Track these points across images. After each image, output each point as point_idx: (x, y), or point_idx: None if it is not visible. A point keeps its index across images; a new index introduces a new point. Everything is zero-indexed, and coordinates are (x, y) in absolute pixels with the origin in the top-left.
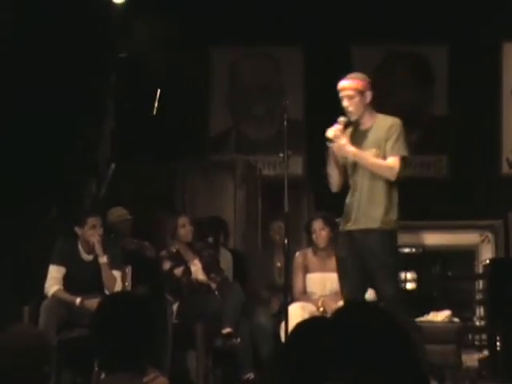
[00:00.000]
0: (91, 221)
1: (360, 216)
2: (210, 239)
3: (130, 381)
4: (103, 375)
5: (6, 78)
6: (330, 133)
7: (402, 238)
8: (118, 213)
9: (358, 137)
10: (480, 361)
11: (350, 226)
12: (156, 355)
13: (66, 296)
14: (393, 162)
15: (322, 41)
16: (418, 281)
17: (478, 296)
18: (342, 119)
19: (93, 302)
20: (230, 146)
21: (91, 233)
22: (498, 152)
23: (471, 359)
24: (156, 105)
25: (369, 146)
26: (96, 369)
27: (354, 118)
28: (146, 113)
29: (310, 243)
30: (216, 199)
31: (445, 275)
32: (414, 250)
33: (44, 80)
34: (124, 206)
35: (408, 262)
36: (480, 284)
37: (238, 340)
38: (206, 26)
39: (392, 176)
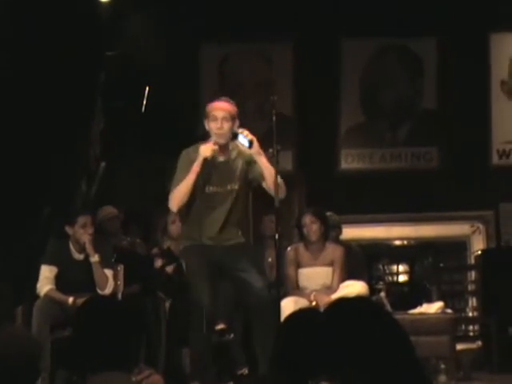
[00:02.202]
0: (82, 220)
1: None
2: None
3: (115, 380)
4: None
5: None
6: (207, 151)
7: (393, 230)
8: (107, 211)
9: (221, 169)
10: (473, 351)
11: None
12: (150, 353)
13: (59, 295)
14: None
15: (312, 36)
16: (410, 273)
17: (471, 287)
18: (217, 140)
19: None
20: None
21: (82, 232)
22: (488, 143)
23: (465, 350)
24: (145, 102)
25: (230, 180)
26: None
27: (222, 142)
28: (135, 111)
29: (302, 238)
30: None
31: (437, 266)
32: (405, 242)
33: (32, 79)
34: (115, 205)
35: (400, 254)
36: (472, 275)
37: (232, 336)
38: (196, 24)
39: None
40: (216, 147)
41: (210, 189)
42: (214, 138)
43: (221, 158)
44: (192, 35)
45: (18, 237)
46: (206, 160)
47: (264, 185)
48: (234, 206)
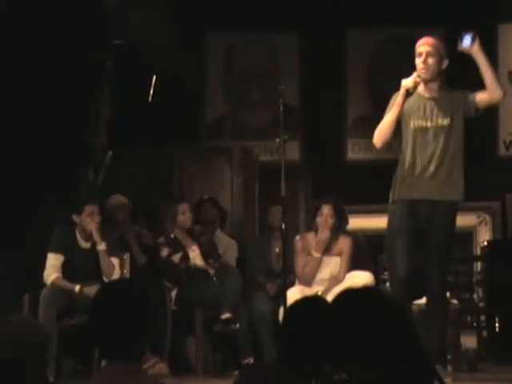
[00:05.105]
0: (88, 208)
1: (434, 184)
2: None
3: (129, 368)
4: (104, 363)
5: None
6: (409, 82)
7: None
8: (116, 199)
9: (427, 105)
10: (479, 342)
11: (418, 195)
12: (155, 342)
13: (65, 284)
14: None
15: (319, 26)
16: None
17: (476, 278)
18: (419, 74)
19: (92, 290)
20: (227, 132)
21: (89, 220)
22: (495, 134)
23: (470, 341)
24: (152, 92)
25: (441, 115)
26: (97, 356)
27: (425, 76)
28: (142, 100)
29: (311, 226)
30: (213, 185)
31: None
32: None
33: (39, 68)
34: (121, 194)
35: None
36: (478, 266)
37: (238, 325)
38: (202, 13)
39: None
40: (418, 79)
41: (416, 123)
42: (417, 73)
43: (426, 95)
44: (198, 24)
45: (23, 225)
46: (408, 92)
47: (481, 99)
48: (447, 144)
